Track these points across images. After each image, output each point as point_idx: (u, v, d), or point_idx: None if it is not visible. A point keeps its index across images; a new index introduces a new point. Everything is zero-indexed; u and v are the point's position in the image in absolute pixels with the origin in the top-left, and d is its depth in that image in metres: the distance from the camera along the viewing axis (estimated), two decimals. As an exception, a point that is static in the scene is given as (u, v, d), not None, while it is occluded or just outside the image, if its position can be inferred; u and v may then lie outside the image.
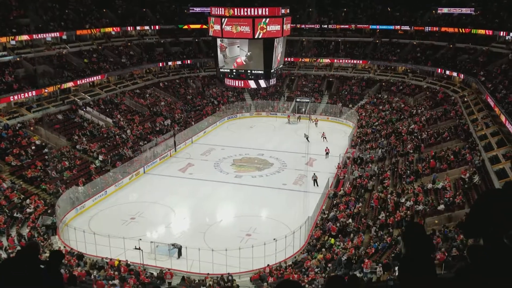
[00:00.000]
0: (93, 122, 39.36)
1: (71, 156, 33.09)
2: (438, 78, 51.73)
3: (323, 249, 21.29)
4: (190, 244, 21.82)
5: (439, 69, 49.95)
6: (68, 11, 50.07)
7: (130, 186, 31.57)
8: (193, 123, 46.41)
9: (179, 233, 24.61)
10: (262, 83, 29.95)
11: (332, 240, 22.07)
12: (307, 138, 39.86)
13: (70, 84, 42.17)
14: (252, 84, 29.90)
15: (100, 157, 33.78)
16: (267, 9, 27.43)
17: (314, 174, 31.88)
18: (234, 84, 30.91)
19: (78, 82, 43.15)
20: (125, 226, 25.27)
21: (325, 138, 44.06)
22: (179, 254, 21.84)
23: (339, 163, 33.53)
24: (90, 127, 38.22)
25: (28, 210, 26.20)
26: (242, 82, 30.14)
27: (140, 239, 21.28)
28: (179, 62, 59.55)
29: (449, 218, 21.07)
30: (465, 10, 52.74)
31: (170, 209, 27.65)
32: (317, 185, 30.25)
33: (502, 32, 44.67)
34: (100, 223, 25.59)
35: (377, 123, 43.65)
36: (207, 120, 48.30)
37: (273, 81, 30.94)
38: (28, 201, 27.00)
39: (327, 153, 36.86)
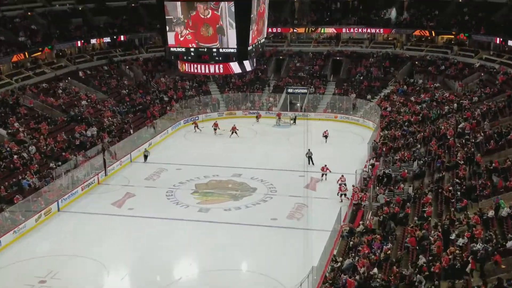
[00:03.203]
0: (-25, 136, 38.85)
1: None
2: (496, 52, 52.97)
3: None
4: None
5: (498, 39, 51.14)
6: None
7: (37, 232, 31.06)
8: (131, 131, 46.30)
9: (115, 301, 24.33)
10: (248, 65, 30.17)
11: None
12: (310, 158, 39.62)
13: None
14: (235, 67, 30.06)
15: (-11, 189, 33.25)
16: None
17: (310, 150, 36.03)
18: (193, 70, 30.89)
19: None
20: (31, 294, 24.80)
21: (326, 137, 44.75)
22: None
23: (354, 185, 33.75)
24: (-30, 143, 37.70)
25: None
26: (207, 66, 30.16)
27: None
28: (107, 40, 59.50)
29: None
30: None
31: (101, 265, 27.21)
32: (313, 164, 35.44)
33: None
34: (-8, 291, 25.05)
35: (409, 121, 44.31)
36: (153, 125, 48.25)
37: (250, 64, 31.02)
38: None
39: (323, 174, 36.99)
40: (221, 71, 30.63)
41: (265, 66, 61.56)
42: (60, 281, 25.83)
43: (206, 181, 37.93)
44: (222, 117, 54.46)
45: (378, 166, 36.02)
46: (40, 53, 52.08)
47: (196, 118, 52.26)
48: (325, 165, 37.20)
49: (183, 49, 29.72)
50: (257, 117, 53.27)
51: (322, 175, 37.21)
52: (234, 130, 47.44)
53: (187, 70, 31.08)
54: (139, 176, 39.30)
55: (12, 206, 31.94)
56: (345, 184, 33.92)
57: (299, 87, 56.66)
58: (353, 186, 33.46)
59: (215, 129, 48.78)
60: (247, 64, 30.19)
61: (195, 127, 49.95)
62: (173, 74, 58.76)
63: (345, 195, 33.69)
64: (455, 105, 44.07)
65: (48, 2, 58.99)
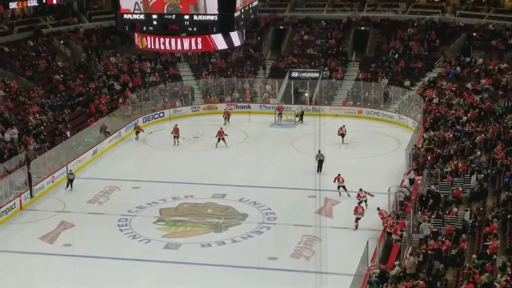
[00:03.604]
0: None
1: None
2: None
3: None
4: None
5: None
6: None
7: None
8: (68, 133, 46.18)
9: None
10: (236, 38, 30.16)
11: None
12: (320, 163, 40.18)
13: None
14: (218, 41, 30.01)
15: None
16: None
17: (320, 152, 38.93)
18: (159, 47, 30.85)
19: None
20: None
21: (343, 136, 45.76)
22: None
23: (381, 211, 33.51)
24: None
25: None
26: (179, 41, 30.15)
27: None
28: (32, 3, 59.21)
29: None
30: None
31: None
32: (321, 171, 38.52)
33: None
34: None
35: (465, 117, 44.37)
36: (100, 124, 48.17)
37: (239, 38, 31.00)
38: None
39: (340, 186, 37.59)
40: (200, 47, 30.60)
41: (259, 39, 61.55)
42: None
43: (175, 204, 37.75)
44: (197, 113, 54.43)
45: (420, 182, 35.97)
46: None
47: (136, 122, 51.37)
48: (361, 190, 35.75)
49: (142, 17, 29.68)
50: (278, 111, 52.56)
51: (339, 187, 37.46)
52: (221, 136, 46.69)
53: (149, 46, 31.05)
54: (80, 198, 38.99)
55: None
56: (364, 201, 34.47)
57: (308, 69, 56.67)
58: (380, 210, 33.31)
59: (220, 139, 47.11)
60: (234, 37, 30.18)
61: (137, 132, 49.37)
62: (128, 51, 58.62)
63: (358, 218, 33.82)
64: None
65: None
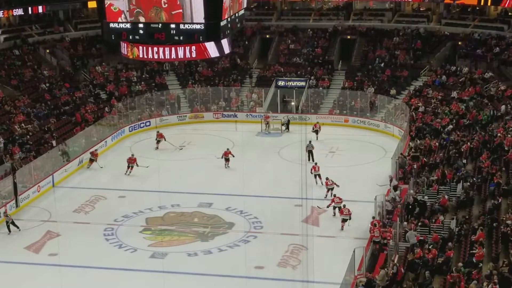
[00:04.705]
0: None
1: None
2: None
3: None
4: None
5: None
6: None
7: None
8: (54, 142, 46.10)
9: None
10: (226, 45, 30.26)
11: None
12: (310, 153, 42.99)
13: None
14: (211, 49, 30.01)
15: None
16: None
17: (310, 142, 42.66)
18: (152, 56, 30.77)
19: None
20: None
21: (317, 132, 47.73)
22: None
23: (374, 218, 33.76)
24: None
25: None
26: (173, 50, 30.14)
27: None
28: (18, 12, 59.11)
29: None
30: None
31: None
32: (313, 160, 41.84)
33: None
34: None
35: (450, 126, 44.56)
36: (86, 133, 48.18)
37: (227, 45, 31.05)
38: None
39: (316, 175, 40.00)
40: (194, 55, 30.58)
41: (243, 49, 61.62)
42: None
43: (161, 213, 37.68)
44: (184, 122, 54.36)
45: (406, 191, 36.03)
46: None
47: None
48: (328, 178, 38.34)
49: (128, 26, 29.69)
50: (266, 120, 52.81)
51: (328, 190, 38.13)
52: (227, 156, 44.13)
53: (141, 56, 31.01)
54: (65, 207, 38.83)
55: None
56: (331, 189, 37.26)
57: (294, 78, 56.77)
58: (373, 218, 33.50)
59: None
60: (225, 45, 30.28)
61: (158, 141, 48.94)
62: (114, 60, 58.58)
63: (339, 208, 35.04)
64: (515, 102, 44.46)
65: None
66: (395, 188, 36.59)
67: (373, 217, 33.44)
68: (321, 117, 53.74)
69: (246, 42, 62.18)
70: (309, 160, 42.58)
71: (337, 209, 35.59)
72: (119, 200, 39.72)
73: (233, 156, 43.71)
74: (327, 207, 36.30)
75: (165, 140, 48.27)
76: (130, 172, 43.24)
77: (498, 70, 52.25)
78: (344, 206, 34.70)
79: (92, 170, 45.11)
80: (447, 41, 57.89)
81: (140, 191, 40.71)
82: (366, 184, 39.39)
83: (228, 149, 43.89)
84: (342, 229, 34.40)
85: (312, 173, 39.81)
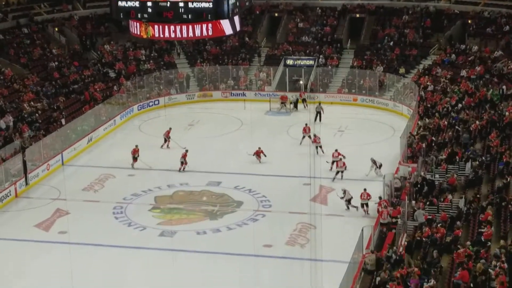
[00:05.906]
0: None
1: None
2: None
3: None
4: None
5: None
6: None
7: None
8: (63, 121, 46.19)
9: None
10: (237, 23, 30.36)
11: None
12: (318, 114, 44.93)
13: None
14: (226, 26, 29.99)
15: None
16: None
17: (320, 104, 45.99)
18: (167, 35, 30.72)
19: None
20: None
21: (306, 104, 49.54)
22: None
23: (381, 198, 33.71)
24: None
25: None
26: (190, 28, 30.04)
27: None
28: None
29: None
30: None
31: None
32: (320, 121, 44.53)
33: None
34: None
35: (460, 105, 44.42)
36: (95, 112, 48.15)
37: (238, 23, 31.01)
38: None
39: (317, 146, 41.22)
40: (210, 33, 30.62)
41: (252, 28, 61.41)
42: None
43: (170, 192, 37.77)
44: (192, 101, 54.33)
45: (415, 170, 35.99)
46: None
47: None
48: (336, 150, 38.97)
49: (137, 4, 29.64)
50: (283, 100, 52.59)
51: (333, 162, 38.68)
52: (258, 154, 42.24)
53: (157, 35, 30.98)
54: (75, 185, 38.96)
55: None
56: (337, 161, 37.96)
57: (303, 57, 56.62)
58: (380, 199, 33.51)
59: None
60: (237, 22, 30.33)
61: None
62: (122, 39, 58.47)
63: (341, 172, 37.32)
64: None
65: None
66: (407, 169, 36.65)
67: (380, 198, 33.43)
68: (330, 96, 53.77)
69: (255, 21, 61.85)
70: (315, 120, 43.77)
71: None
72: (128, 179, 39.83)
73: (265, 156, 41.75)
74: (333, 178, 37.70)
75: (138, 156, 41.74)
76: (134, 165, 41.22)
77: (508, 49, 51.93)
78: (365, 190, 34.30)
79: (100, 148, 45.43)
80: (457, 20, 57.52)
81: (148, 170, 40.78)
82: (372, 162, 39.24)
83: (259, 148, 42.03)
84: (367, 213, 33.99)
85: (313, 144, 40.84)
